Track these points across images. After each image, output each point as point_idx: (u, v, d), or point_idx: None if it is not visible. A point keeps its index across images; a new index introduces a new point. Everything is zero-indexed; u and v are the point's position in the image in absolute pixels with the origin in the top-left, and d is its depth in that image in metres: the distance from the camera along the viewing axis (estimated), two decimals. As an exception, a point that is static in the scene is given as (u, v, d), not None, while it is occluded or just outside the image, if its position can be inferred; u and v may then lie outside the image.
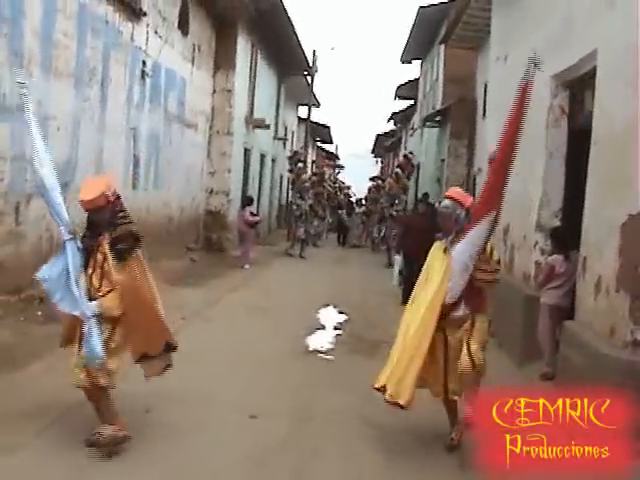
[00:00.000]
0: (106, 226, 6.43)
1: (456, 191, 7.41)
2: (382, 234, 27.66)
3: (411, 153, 29.13)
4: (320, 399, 8.61)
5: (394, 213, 25.90)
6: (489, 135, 16.45)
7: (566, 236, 9.95)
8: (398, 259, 17.76)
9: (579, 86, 10.57)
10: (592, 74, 9.24)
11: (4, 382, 8.03)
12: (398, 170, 26.97)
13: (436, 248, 7.28)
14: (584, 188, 9.20)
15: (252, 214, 22.29)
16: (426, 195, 23.40)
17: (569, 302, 9.60)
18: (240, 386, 8.86)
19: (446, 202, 7.14)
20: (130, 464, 6.15)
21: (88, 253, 6.36)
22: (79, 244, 6.36)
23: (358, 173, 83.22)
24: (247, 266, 21.23)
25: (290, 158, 29.08)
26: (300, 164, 27.97)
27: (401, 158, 30.98)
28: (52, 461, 6.05)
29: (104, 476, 5.92)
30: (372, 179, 38.00)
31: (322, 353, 11.21)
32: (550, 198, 11.08)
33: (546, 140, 11.14)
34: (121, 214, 6.65)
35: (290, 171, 28.67)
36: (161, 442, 6.71)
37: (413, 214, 19.78)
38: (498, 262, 7.31)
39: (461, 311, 6.88)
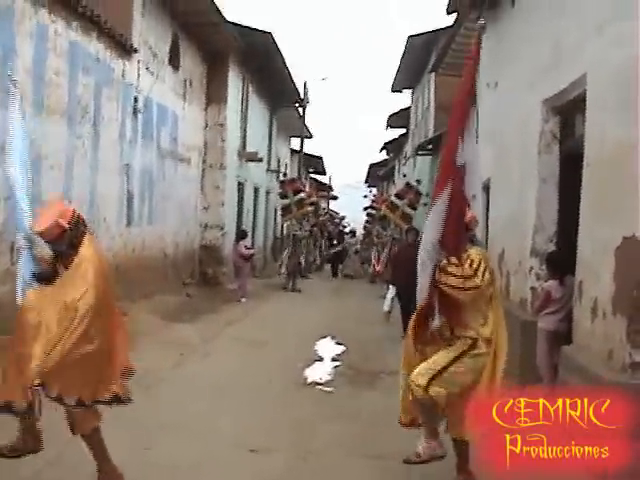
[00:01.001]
0: (68, 253, 5.95)
1: None
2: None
3: (418, 182, 28.61)
4: (320, 432, 8.56)
5: (396, 236, 25.80)
6: (482, 162, 16.50)
7: (561, 261, 9.91)
8: (392, 289, 17.13)
9: (569, 111, 10.60)
10: (582, 98, 9.27)
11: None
12: (394, 198, 26.58)
13: None
14: (578, 212, 9.20)
15: (247, 247, 22.32)
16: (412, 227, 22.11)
17: (566, 327, 9.57)
18: (239, 420, 8.80)
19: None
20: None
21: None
22: (34, 253, 6.14)
23: (352, 203, 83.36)
24: (244, 299, 21.19)
25: (282, 182, 29.29)
26: (302, 194, 27.88)
27: (400, 186, 30.51)
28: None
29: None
30: (366, 209, 37.81)
31: (321, 385, 11.15)
32: (544, 223, 11.08)
33: (538, 165, 11.16)
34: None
35: (281, 196, 28.32)
36: (161, 478, 6.66)
37: (402, 245, 19.38)
38: (480, 273, 6.22)
39: (436, 320, 6.18)
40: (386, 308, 17.45)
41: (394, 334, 14.46)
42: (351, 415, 9.27)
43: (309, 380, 11.46)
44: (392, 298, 16.87)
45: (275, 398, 10.05)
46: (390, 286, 17.35)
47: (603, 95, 8.46)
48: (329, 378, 11.62)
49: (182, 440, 7.85)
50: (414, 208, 25.86)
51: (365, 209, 37.61)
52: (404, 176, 36.71)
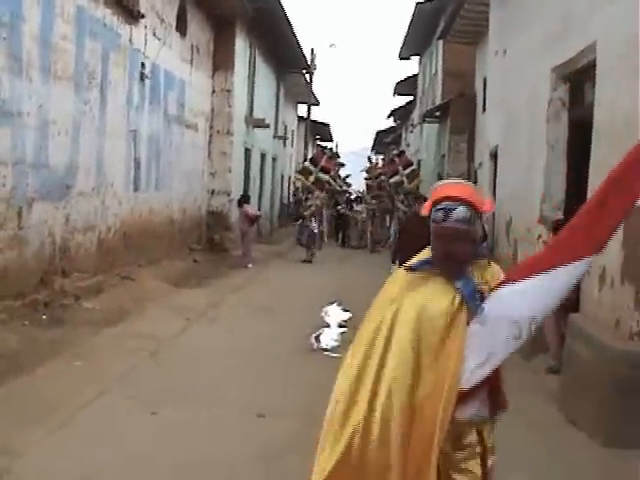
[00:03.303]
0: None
1: (468, 189, 3.83)
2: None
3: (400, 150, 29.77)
4: (327, 397, 8.57)
5: (389, 207, 25.76)
6: (490, 130, 16.49)
7: (569, 229, 9.90)
8: (394, 268, 12.85)
9: (578, 78, 10.57)
10: (591, 66, 9.23)
11: (11, 387, 8.03)
12: (415, 167, 26.77)
13: (436, 292, 3.82)
14: (586, 180, 9.19)
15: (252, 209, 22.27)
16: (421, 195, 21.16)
17: (574, 295, 9.58)
18: (247, 385, 8.84)
19: (462, 209, 3.69)
20: (139, 465, 6.13)
21: None
22: None
23: (358, 170, 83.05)
24: (250, 265, 21.20)
25: (301, 171, 29.06)
26: (327, 176, 28.29)
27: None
28: (61, 463, 6.04)
29: (115, 475, 5.91)
30: (367, 171, 37.21)
31: (328, 351, 11.19)
32: (552, 191, 11.08)
33: (547, 133, 11.13)
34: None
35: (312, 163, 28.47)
36: (168, 443, 6.71)
37: (411, 215, 16.52)
38: None
39: (473, 409, 3.79)
40: None
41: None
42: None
43: (316, 346, 11.50)
44: None
45: (282, 364, 10.07)
46: (392, 265, 13.42)
47: (613, 63, 8.42)
48: (336, 344, 11.65)
49: (189, 405, 7.90)
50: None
51: (367, 171, 37.38)
52: (408, 146, 36.53)
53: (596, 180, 8.82)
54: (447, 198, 3.76)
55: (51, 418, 7.08)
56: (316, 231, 26.22)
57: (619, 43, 8.18)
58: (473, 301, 3.71)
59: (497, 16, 15.98)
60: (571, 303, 9.49)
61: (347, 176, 43.37)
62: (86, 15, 13.29)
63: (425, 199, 14.12)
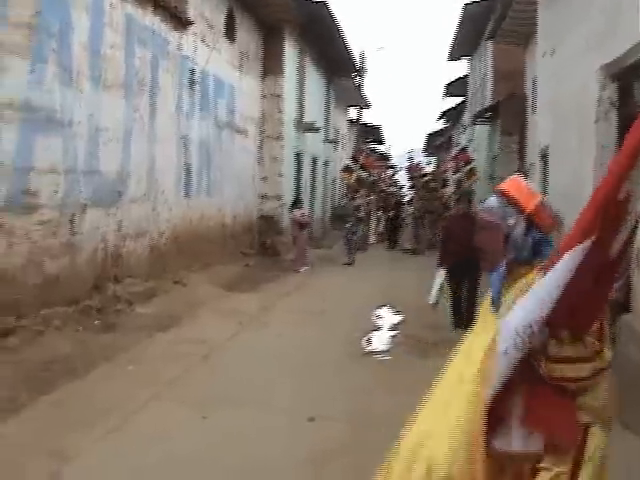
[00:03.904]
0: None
1: (514, 183, 3.74)
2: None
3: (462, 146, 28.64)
4: (379, 401, 8.56)
5: (432, 209, 25.51)
6: (540, 130, 16.34)
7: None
8: (441, 273, 12.71)
9: (628, 77, 10.41)
10: (641, 64, 9.12)
11: (64, 391, 8.15)
12: (474, 165, 26.47)
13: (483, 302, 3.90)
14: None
15: (302, 215, 22.32)
16: (466, 192, 20.64)
17: (624, 296, 9.48)
18: (297, 389, 8.84)
19: (492, 200, 3.69)
20: (189, 469, 6.17)
21: None
22: None
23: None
24: (302, 269, 21.25)
25: (344, 169, 29.07)
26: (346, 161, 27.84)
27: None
28: (111, 467, 6.11)
29: (165, 478, 5.97)
30: (409, 171, 37.01)
31: (379, 354, 11.17)
32: (603, 191, 10.93)
33: (596, 133, 10.99)
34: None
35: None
36: (218, 447, 6.74)
37: (454, 216, 14.93)
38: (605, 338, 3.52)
39: (514, 441, 3.39)
40: (432, 300, 12.43)
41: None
42: (409, 385, 9.20)
43: (367, 349, 11.48)
44: (441, 285, 12.56)
45: (332, 367, 10.05)
46: (438, 269, 12.80)
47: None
48: (387, 347, 11.63)
49: (240, 409, 7.91)
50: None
51: (409, 173, 37.26)
52: (467, 145, 36.25)
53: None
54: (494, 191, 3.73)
55: (103, 422, 7.15)
56: (356, 233, 26.17)
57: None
58: (497, 303, 3.60)
59: (545, 16, 15.81)
60: (621, 303, 9.41)
61: (393, 174, 43.33)
62: (135, 23, 13.45)
63: (470, 200, 13.85)
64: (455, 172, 30.24)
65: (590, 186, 11.02)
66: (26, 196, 10.03)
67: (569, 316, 3.31)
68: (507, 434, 3.39)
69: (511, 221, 3.57)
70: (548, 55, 14.89)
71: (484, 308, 3.84)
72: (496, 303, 3.60)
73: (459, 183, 29.11)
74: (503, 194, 3.64)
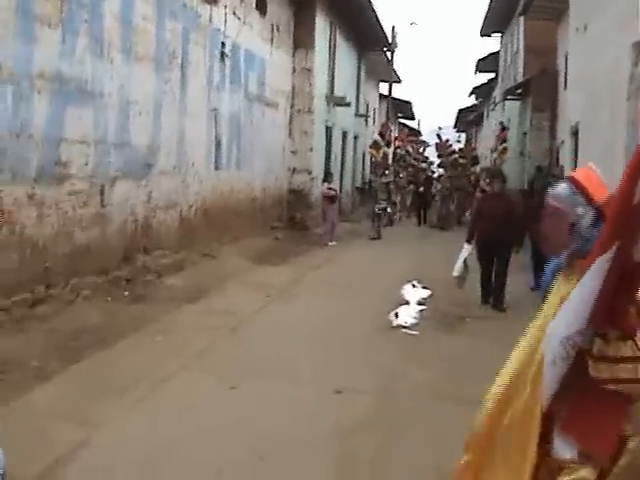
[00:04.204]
0: None
1: (585, 172, 3.81)
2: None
3: (501, 123, 28.04)
4: (406, 375, 8.57)
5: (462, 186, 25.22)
6: (571, 107, 16.23)
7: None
8: (467, 248, 12.63)
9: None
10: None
11: (93, 360, 8.24)
12: (506, 144, 26.22)
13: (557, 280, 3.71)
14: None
15: (329, 188, 22.37)
16: (499, 171, 18.06)
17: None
18: (325, 362, 8.86)
19: (561, 187, 3.63)
20: (216, 439, 6.22)
21: None
22: None
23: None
24: (331, 243, 21.30)
25: (372, 145, 28.50)
26: (376, 136, 27.31)
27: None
28: (139, 435, 6.17)
29: (193, 448, 6.00)
30: (437, 149, 36.69)
31: (406, 328, 11.15)
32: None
33: (627, 111, 10.91)
34: None
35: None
36: (246, 417, 6.78)
37: (487, 195, 15.01)
38: None
39: (567, 451, 3.33)
40: (455, 272, 12.41)
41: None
42: (437, 359, 9.26)
43: (394, 323, 11.46)
44: (466, 259, 12.40)
45: (360, 341, 10.07)
46: (465, 244, 12.73)
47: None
48: (414, 322, 11.60)
49: (267, 381, 7.94)
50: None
51: (440, 155, 36.85)
52: (501, 123, 35.95)
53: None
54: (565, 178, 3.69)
55: (131, 391, 7.23)
56: (386, 209, 26.13)
57: None
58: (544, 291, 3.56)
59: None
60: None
61: (423, 150, 43.12)
62: (166, -5, 13.44)
63: (504, 179, 13.64)
64: (493, 150, 30.10)
65: (621, 164, 10.95)
66: (57, 167, 10.09)
67: (608, 318, 3.28)
68: (561, 443, 3.37)
69: (580, 210, 3.51)
70: (580, 32, 14.79)
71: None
72: (543, 290, 3.59)
73: (494, 162, 28.96)
74: (573, 182, 3.61)
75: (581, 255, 3.44)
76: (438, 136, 37.73)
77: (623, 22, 11.19)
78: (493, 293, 12.64)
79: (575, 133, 15.16)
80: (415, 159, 38.88)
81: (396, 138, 38.74)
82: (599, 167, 11.06)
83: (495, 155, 29.00)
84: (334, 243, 21.38)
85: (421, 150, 43.13)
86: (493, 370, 8.82)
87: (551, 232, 3.63)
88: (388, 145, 28.90)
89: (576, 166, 14.79)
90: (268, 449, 6.07)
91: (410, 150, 39.07)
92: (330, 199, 21.78)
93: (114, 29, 11.50)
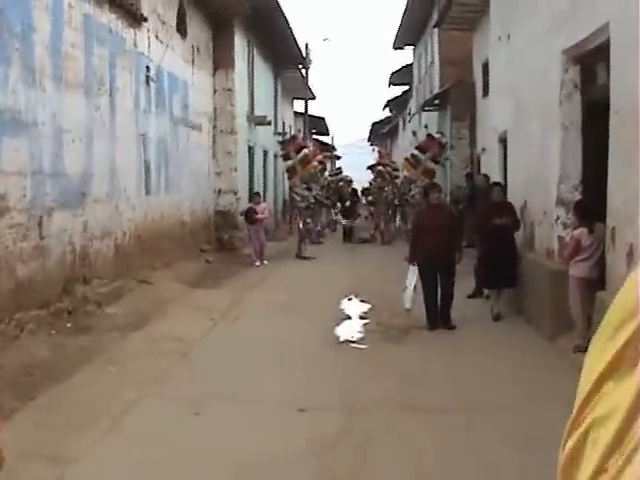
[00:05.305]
0: None
1: None
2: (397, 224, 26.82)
3: (440, 133, 26.13)
4: (364, 388, 8.65)
5: (409, 199, 24.45)
6: (495, 114, 16.51)
7: (589, 209, 9.98)
8: (412, 270, 12.24)
9: (590, 60, 10.58)
10: (604, 47, 9.26)
11: (49, 396, 8.08)
12: (416, 152, 25.08)
13: None
14: (601, 160, 9.25)
15: (254, 212, 21.80)
16: (434, 182, 18.11)
17: (597, 274, 9.68)
18: (281, 381, 8.90)
19: None
20: (192, 465, 6.19)
21: None
22: None
23: (354, 162, 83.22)
24: (262, 263, 21.21)
25: (282, 143, 26.87)
26: (306, 150, 25.90)
27: (423, 138, 28.30)
28: (114, 467, 6.11)
29: (171, 476, 5.96)
30: (371, 167, 36.39)
31: (354, 343, 11.23)
32: (569, 172, 11.09)
33: (561, 115, 11.15)
34: None
35: (284, 157, 25.86)
36: (217, 441, 6.76)
37: (423, 208, 14.14)
38: None
39: None
40: (407, 305, 12.26)
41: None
42: (390, 370, 9.36)
43: (341, 339, 11.53)
44: (415, 286, 12.17)
45: (312, 357, 10.14)
46: (410, 267, 12.36)
47: (629, 42, 8.44)
48: (361, 336, 11.69)
49: (229, 404, 7.97)
50: (436, 162, 24.33)
51: (370, 167, 36.47)
52: (414, 134, 35.87)
53: (617, 157, 8.87)
54: None
55: (96, 424, 7.13)
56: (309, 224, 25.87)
57: (633, 21, 8.19)
58: None
59: (498, 2, 16.02)
60: (595, 281, 9.61)
61: (339, 168, 43.19)
62: (92, 21, 13.30)
63: (440, 189, 13.48)
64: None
65: (556, 168, 11.21)
66: (-4, 200, 9.90)
67: None
68: None
69: None
70: (503, 40, 15.06)
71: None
72: None
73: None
74: None
75: None
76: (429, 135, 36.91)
77: (550, 29, 11.45)
78: (441, 314, 11.94)
79: (503, 140, 15.43)
80: (333, 175, 38.95)
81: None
82: (531, 172, 11.28)
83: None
84: (266, 262, 21.23)
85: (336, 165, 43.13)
86: (448, 377, 9.02)
87: None
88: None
89: (506, 173, 15.06)
90: (246, 471, 6.08)
91: (326, 165, 39.01)
92: (257, 220, 21.56)
93: (45, 57, 11.33)
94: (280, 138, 27.35)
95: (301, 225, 25.03)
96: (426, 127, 32.91)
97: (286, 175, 27.04)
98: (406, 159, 25.82)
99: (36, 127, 11.07)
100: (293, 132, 44.57)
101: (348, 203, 32.93)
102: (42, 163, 11.25)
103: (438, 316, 11.94)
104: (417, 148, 25.13)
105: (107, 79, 14.08)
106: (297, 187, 25.86)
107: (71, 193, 12.31)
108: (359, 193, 36.04)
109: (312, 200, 26.83)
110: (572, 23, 10.44)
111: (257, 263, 21.19)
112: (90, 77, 13.19)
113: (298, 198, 25.90)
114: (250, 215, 21.50)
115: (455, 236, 12.28)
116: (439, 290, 12.00)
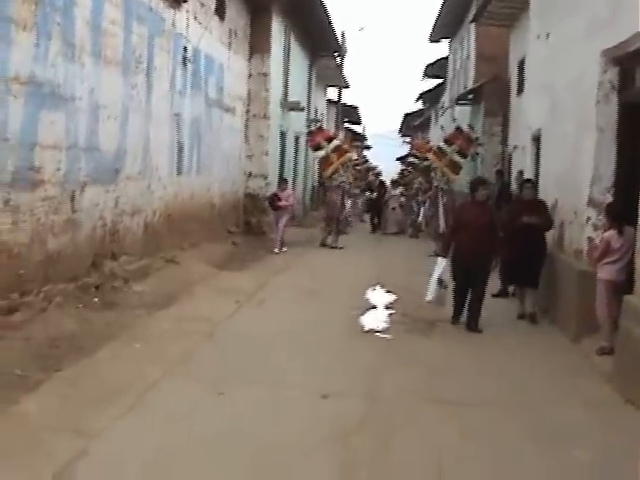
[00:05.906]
0: None
1: None
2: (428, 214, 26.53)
3: (470, 127, 25.22)
4: (387, 378, 8.67)
5: (444, 187, 23.82)
6: (530, 113, 16.44)
7: (621, 211, 9.93)
8: (441, 263, 11.93)
9: (630, 62, 10.50)
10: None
11: (75, 369, 8.14)
12: (442, 144, 24.81)
13: None
14: (634, 163, 9.21)
15: (278, 198, 21.52)
16: (483, 178, 15.65)
17: (625, 277, 9.63)
18: (305, 366, 8.96)
19: None
20: (213, 445, 6.24)
21: None
22: None
23: (384, 153, 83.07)
24: (277, 250, 20.85)
25: (310, 133, 25.67)
26: (337, 141, 25.53)
27: (451, 131, 26.59)
28: (136, 443, 6.16)
29: (191, 459, 6.00)
30: (402, 158, 36.01)
31: (379, 332, 11.25)
32: (601, 173, 11.00)
33: (596, 116, 11.08)
34: None
35: (314, 148, 24.97)
36: (240, 423, 6.80)
37: (467, 203, 13.15)
38: None
39: None
40: (430, 296, 11.92)
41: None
42: (415, 362, 9.39)
43: (366, 327, 11.56)
44: (440, 279, 11.81)
45: (337, 345, 10.18)
46: (439, 259, 12.18)
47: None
48: (386, 326, 11.70)
49: (253, 386, 7.99)
50: (464, 156, 23.58)
51: (401, 158, 36.24)
52: (442, 128, 35.53)
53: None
54: None
55: (120, 400, 7.18)
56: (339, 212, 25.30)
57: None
58: None
59: (539, 0, 15.92)
60: (623, 284, 9.56)
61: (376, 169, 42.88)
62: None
63: (488, 187, 13.05)
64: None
65: (589, 169, 11.15)
66: (31, 172, 9.96)
67: None
68: None
69: None
70: (542, 39, 14.97)
71: None
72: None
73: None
74: None
75: None
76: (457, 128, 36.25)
77: (590, 30, 11.38)
78: (469, 315, 11.69)
79: (536, 139, 15.35)
80: (360, 164, 38.74)
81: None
82: (564, 172, 11.25)
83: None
84: (285, 249, 21.10)
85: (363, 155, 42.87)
86: (471, 372, 9.05)
87: None
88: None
89: (537, 171, 15.00)
90: (267, 455, 6.12)
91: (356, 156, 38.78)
92: (279, 208, 21.39)
93: (85, 33, 11.39)
94: (311, 126, 26.78)
95: (325, 214, 24.74)
96: (454, 121, 32.58)
97: (317, 166, 26.48)
98: (433, 151, 25.48)
99: (73, 102, 11.13)
100: (325, 119, 44.58)
101: (375, 194, 32.84)
102: (77, 138, 11.31)
103: (462, 312, 11.82)
104: (445, 141, 24.69)
105: (145, 58, 14.12)
106: (334, 177, 24.80)
107: (104, 169, 12.38)
108: (388, 185, 35.55)
109: (347, 188, 26.48)
110: (613, 24, 10.37)
111: (275, 250, 20.77)
112: (128, 55, 13.24)
113: (335, 183, 24.72)
114: (273, 201, 21.40)
115: (493, 238, 11.82)
116: (469, 293, 11.71)
